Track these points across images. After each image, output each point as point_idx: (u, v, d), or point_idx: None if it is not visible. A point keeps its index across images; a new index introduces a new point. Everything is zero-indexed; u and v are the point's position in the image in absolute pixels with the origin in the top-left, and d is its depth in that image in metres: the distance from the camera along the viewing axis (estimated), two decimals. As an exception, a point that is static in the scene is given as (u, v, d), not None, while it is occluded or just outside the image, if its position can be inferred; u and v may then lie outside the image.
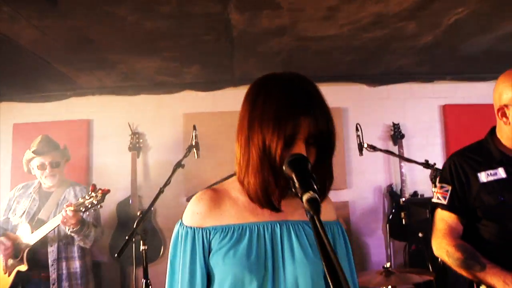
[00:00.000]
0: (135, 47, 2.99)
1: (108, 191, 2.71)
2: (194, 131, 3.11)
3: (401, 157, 3.18)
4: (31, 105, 4.12)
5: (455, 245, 1.77)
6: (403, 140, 4.02)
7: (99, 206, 2.69)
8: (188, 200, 3.08)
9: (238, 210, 1.17)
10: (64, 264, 2.84)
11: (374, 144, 4.01)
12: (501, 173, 1.79)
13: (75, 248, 2.92)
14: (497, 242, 1.78)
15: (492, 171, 1.80)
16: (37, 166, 3.00)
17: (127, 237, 2.19)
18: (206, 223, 1.16)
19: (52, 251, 2.82)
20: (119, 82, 3.87)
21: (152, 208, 2.67)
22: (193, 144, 3.03)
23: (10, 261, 2.81)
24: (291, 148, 1.06)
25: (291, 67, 3.64)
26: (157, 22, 2.61)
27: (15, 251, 2.82)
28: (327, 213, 1.22)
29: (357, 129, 3.11)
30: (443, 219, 1.87)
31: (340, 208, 4.00)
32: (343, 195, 4.04)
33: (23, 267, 2.76)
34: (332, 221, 1.25)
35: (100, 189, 2.67)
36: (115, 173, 4.05)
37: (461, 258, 1.73)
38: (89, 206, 2.65)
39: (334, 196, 3.96)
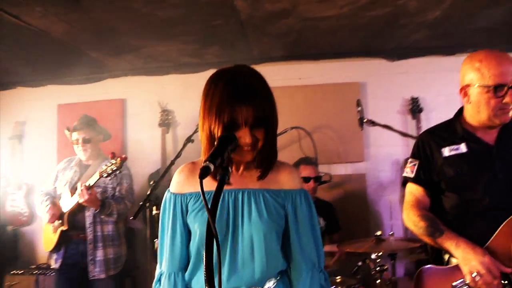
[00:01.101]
0: (153, 33, 3.26)
1: (126, 158, 3.00)
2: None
3: (402, 133, 3.27)
4: (72, 87, 4.54)
5: (419, 215, 1.94)
6: (422, 114, 4.06)
7: (118, 172, 2.99)
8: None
9: (209, 179, 1.38)
10: (99, 227, 3.21)
11: (393, 118, 4.14)
12: (462, 148, 1.93)
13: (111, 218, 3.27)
14: (455, 211, 1.94)
15: (455, 146, 1.94)
16: (73, 141, 3.39)
17: (140, 203, 2.51)
18: (184, 190, 1.46)
19: (88, 216, 3.20)
20: (146, 64, 4.17)
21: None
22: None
23: (56, 223, 3.24)
24: (237, 132, 1.30)
25: (304, 45, 3.82)
26: (168, 11, 2.85)
27: (60, 215, 3.25)
28: (289, 182, 1.45)
29: (357, 105, 3.24)
30: (411, 192, 2.04)
31: (356, 180, 4.16)
32: (360, 167, 4.18)
33: (64, 228, 3.19)
34: (295, 189, 1.44)
35: (119, 156, 2.99)
36: (147, 147, 4.41)
37: (424, 227, 1.90)
38: (110, 172, 2.96)
39: (352, 168, 4.21)
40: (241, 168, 1.44)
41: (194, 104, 4.33)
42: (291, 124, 3.97)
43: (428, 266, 1.91)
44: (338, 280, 3.01)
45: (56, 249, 3.21)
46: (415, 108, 4.07)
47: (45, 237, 3.34)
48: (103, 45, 3.53)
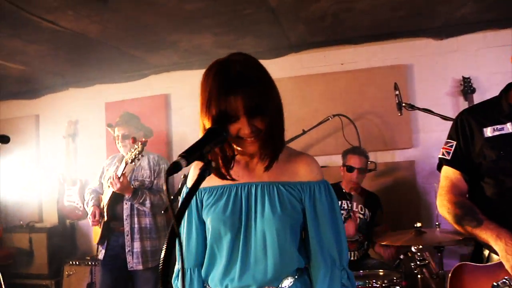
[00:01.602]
0: (184, 26, 3.26)
1: (146, 141, 3.07)
2: None
3: (444, 117, 3.02)
4: (118, 86, 4.70)
5: (454, 202, 1.77)
6: (475, 95, 3.76)
7: (141, 156, 3.05)
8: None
9: (221, 173, 1.36)
10: (136, 219, 3.28)
11: (443, 101, 3.88)
12: (508, 127, 1.74)
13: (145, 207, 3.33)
14: (496, 200, 1.74)
15: (499, 126, 1.75)
16: (113, 137, 3.50)
17: (171, 197, 2.53)
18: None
19: (126, 208, 3.29)
20: (185, 58, 4.20)
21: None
22: None
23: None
24: (236, 123, 1.24)
25: (342, 29, 3.66)
26: (195, 3, 2.84)
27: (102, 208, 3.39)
28: (307, 173, 1.36)
29: (395, 88, 3.05)
30: (447, 176, 1.86)
31: (405, 168, 3.95)
32: (408, 154, 3.97)
33: (104, 219, 3.33)
34: (313, 181, 1.35)
35: (139, 140, 3.05)
36: (192, 141, 4.45)
37: (458, 215, 1.74)
38: (134, 157, 3.04)
39: (400, 155, 4.00)
40: (255, 160, 1.38)
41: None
42: (333, 112, 3.85)
43: (465, 263, 1.75)
44: (380, 273, 2.89)
45: (101, 241, 3.34)
46: (467, 89, 3.78)
47: (94, 230, 3.49)
48: (139, 43, 3.59)
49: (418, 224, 2.51)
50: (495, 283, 1.62)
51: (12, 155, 4.75)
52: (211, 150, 1.09)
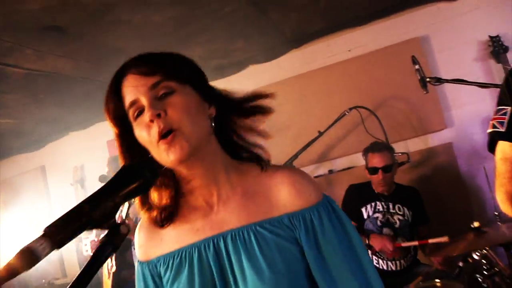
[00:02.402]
0: (159, 42, 2.91)
1: None
2: None
3: (481, 85, 2.47)
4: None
5: None
6: (509, 54, 3.24)
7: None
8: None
9: (177, 231, 0.97)
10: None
11: (471, 69, 3.36)
12: None
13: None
14: None
15: None
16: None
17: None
18: (151, 254, 1.01)
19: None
20: None
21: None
22: None
23: (109, 265, 3.06)
24: (141, 116, 0.86)
25: (340, 11, 3.23)
26: (165, 13, 2.48)
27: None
28: (294, 199, 0.92)
29: (414, 62, 2.59)
30: (505, 156, 1.37)
31: (442, 152, 3.44)
32: (443, 136, 3.46)
33: (114, 270, 3.02)
34: (306, 208, 0.91)
35: None
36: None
37: None
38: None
39: (434, 139, 3.48)
40: (214, 198, 0.95)
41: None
42: (349, 105, 3.38)
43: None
44: (438, 285, 2.40)
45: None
46: (497, 49, 3.26)
47: (105, 283, 3.16)
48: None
49: (476, 224, 2.00)
50: None
51: (23, 210, 4.55)
52: (114, 211, 0.68)
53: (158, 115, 0.83)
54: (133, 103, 0.86)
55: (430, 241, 2.58)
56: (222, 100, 0.96)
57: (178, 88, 0.86)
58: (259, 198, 0.93)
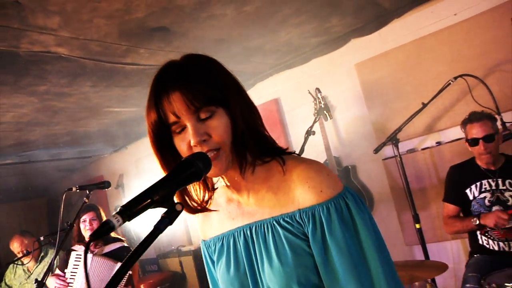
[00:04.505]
0: (256, 29, 3.06)
1: None
2: (319, 93, 3.00)
3: None
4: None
5: None
6: None
7: None
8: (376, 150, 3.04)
9: (220, 217, 1.13)
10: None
11: None
12: None
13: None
14: None
15: None
16: None
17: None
18: (206, 235, 1.18)
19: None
20: (284, 58, 4.01)
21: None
22: (322, 106, 2.92)
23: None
24: (183, 133, 0.96)
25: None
26: (256, 3, 2.62)
27: None
28: (306, 195, 0.96)
29: None
30: None
31: None
32: None
33: None
34: (317, 204, 0.94)
35: None
36: (310, 141, 4.12)
37: None
38: None
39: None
40: (245, 192, 1.06)
41: (344, 82, 4.08)
42: (455, 74, 3.19)
43: None
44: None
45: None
46: None
47: None
48: (225, 59, 3.51)
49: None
50: None
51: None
52: (172, 193, 0.84)
53: (204, 141, 0.93)
54: (176, 121, 0.95)
55: None
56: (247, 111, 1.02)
57: (216, 110, 0.95)
58: (280, 193, 1.00)
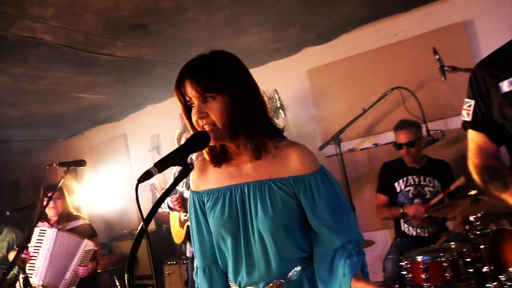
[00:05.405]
0: (222, 32, 3.42)
1: None
2: (276, 94, 3.40)
3: None
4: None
5: (481, 166, 1.66)
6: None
7: None
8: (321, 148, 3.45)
9: (218, 175, 1.45)
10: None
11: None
12: None
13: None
14: None
15: None
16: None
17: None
18: (199, 187, 1.50)
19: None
20: (244, 59, 4.29)
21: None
22: (278, 106, 3.33)
23: (183, 217, 3.66)
24: (193, 107, 1.30)
25: None
26: (225, 11, 2.98)
27: (185, 208, 3.63)
28: (299, 167, 1.33)
29: (434, 53, 2.91)
30: (472, 138, 1.71)
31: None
32: (482, 116, 3.70)
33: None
34: (306, 174, 1.32)
35: None
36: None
37: (486, 180, 1.63)
38: None
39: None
40: (245, 159, 1.39)
41: (296, 85, 4.52)
42: (393, 85, 3.71)
43: (504, 227, 1.67)
44: (452, 247, 2.79)
45: (187, 240, 3.61)
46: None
47: (174, 231, 3.76)
48: (190, 55, 3.83)
49: (473, 192, 2.37)
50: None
51: (108, 172, 5.37)
52: (186, 157, 1.20)
53: (202, 117, 1.28)
54: (189, 100, 1.30)
55: (452, 187, 3.02)
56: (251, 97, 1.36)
57: (217, 97, 1.28)
58: (277, 163, 1.35)
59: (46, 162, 6.30)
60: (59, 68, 3.34)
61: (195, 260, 1.57)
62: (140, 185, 1.11)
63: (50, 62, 3.17)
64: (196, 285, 1.56)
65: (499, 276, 1.62)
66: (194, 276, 1.57)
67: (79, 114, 5.10)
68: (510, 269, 1.60)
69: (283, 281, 1.36)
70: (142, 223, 1.05)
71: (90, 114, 5.26)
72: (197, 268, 1.55)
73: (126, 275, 1.05)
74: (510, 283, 1.57)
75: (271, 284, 1.37)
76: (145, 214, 1.07)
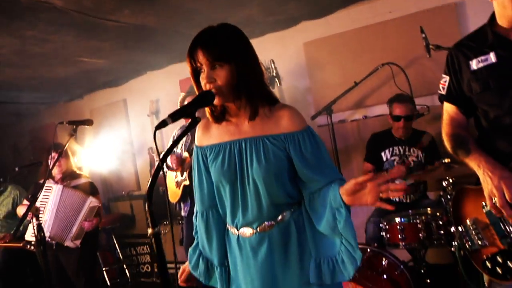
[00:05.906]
0: (225, 3, 3.57)
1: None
2: (272, 64, 3.58)
3: None
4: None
5: (451, 135, 1.88)
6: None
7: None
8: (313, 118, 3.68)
9: (219, 132, 1.66)
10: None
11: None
12: (491, 58, 1.71)
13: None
14: (487, 129, 1.83)
15: (483, 57, 1.73)
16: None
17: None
18: (203, 143, 1.72)
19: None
20: (244, 30, 4.45)
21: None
22: (274, 75, 3.54)
23: (179, 178, 3.89)
24: (202, 73, 1.48)
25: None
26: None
27: (182, 167, 3.85)
28: (289, 125, 1.54)
29: (421, 32, 3.10)
30: (446, 110, 1.94)
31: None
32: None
33: (187, 183, 3.80)
34: (296, 131, 1.53)
35: None
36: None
37: (453, 146, 1.86)
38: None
39: None
40: (243, 118, 1.58)
41: (292, 57, 4.69)
42: (383, 61, 3.91)
43: (466, 186, 1.89)
44: (428, 212, 3.05)
45: (182, 200, 3.86)
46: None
47: (170, 190, 4.01)
48: (191, 24, 3.96)
49: (446, 160, 2.61)
50: (483, 203, 1.78)
51: (108, 135, 5.57)
52: (195, 110, 1.44)
53: (211, 82, 1.48)
54: (200, 66, 1.49)
55: (424, 142, 3.32)
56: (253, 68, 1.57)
57: (224, 65, 1.47)
58: (271, 122, 1.56)
59: (47, 124, 6.53)
60: (66, 32, 3.48)
61: (195, 207, 1.81)
62: (138, 149, 1.30)
63: (58, 26, 3.32)
64: (194, 227, 1.81)
65: (458, 227, 1.86)
66: (193, 219, 1.81)
67: (81, 77, 5.24)
68: (467, 220, 1.85)
69: (273, 222, 1.60)
70: (159, 161, 1.27)
71: (91, 78, 5.41)
72: (196, 212, 1.78)
73: (146, 203, 1.34)
74: (465, 234, 1.82)
75: (263, 225, 1.60)
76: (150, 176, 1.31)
